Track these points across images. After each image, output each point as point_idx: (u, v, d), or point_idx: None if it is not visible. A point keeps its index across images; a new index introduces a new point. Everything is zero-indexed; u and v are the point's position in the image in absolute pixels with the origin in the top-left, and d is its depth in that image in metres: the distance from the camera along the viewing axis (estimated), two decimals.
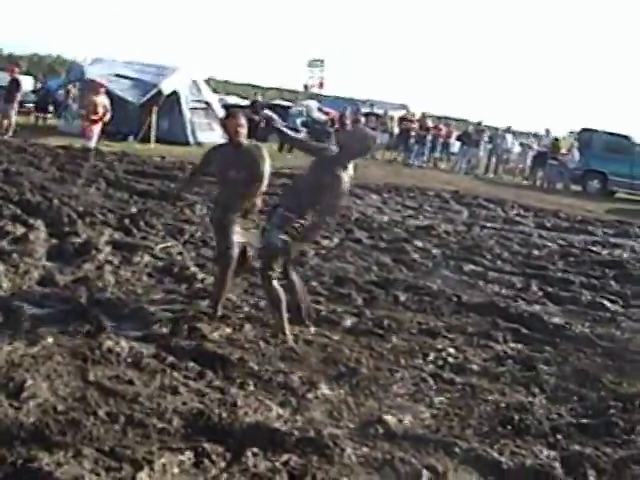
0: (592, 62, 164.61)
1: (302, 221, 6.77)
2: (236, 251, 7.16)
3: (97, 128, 17.40)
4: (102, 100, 17.35)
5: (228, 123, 7.27)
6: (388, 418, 5.38)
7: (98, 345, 6.06)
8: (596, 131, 29.02)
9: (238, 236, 7.18)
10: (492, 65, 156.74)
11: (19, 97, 23.49)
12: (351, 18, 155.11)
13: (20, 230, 9.62)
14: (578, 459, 5.06)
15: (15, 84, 22.96)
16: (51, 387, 5.27)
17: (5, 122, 22.46)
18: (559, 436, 5.48)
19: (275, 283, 6.86)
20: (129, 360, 5.95)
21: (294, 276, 7.32)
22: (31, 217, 10.43)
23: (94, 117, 17.11)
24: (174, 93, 25.43)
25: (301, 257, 9.31)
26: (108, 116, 17.45)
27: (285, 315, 6.89)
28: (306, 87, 47.64)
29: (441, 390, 6.19)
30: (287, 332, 6.86)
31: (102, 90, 17.57)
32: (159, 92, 24.76)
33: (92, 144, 17.45)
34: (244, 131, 7.16)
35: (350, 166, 6.96)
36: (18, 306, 6.81)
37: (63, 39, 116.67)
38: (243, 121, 7.20)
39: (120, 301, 7.44)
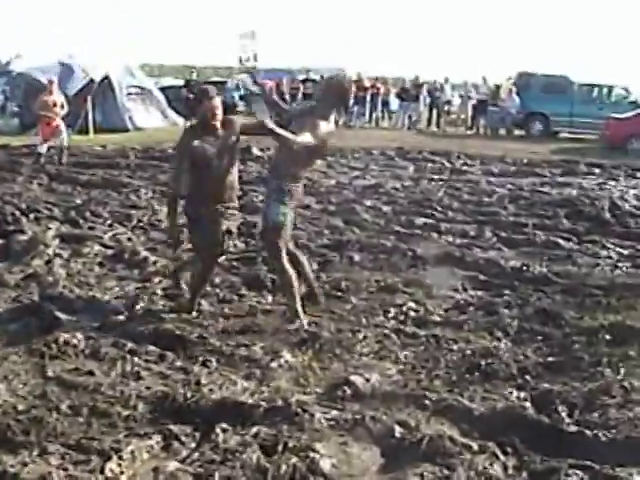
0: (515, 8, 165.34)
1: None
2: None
3: (53, 128, 16.40)
4: (55, 98, 16.63)
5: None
6: (355, 378, 5.34)
7: (54, 340, 5.93)
8: (534, 74, 29.02)
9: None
10: (421, 19, 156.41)
11: None
12: None
13: None
14: (548, 396, 5.10)
15: None
16: (10, 387, 5.16)
17: None
18: (527, 376, 5.52)
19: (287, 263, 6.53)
20: (87, 351, 5.84)
21: (299, 252, 7.10)
22: None
23: (51, 116, 16.32)
24: (106, 80, 24.93)
25: (252, 227, 9.22)
26: (64, 112, 16.83)
27: (299, 298, 6.59)
28: (241, 61, 47.10)
29: (405, 345, 6.19)
30: (302, 317, 6.51)
31: (53, 87, 16.85)
32: (91, 80, 24.25)
33: (43, 149, 16.30)
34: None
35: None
36: None
37: None
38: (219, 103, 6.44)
39: (73, 294, 7.28)
